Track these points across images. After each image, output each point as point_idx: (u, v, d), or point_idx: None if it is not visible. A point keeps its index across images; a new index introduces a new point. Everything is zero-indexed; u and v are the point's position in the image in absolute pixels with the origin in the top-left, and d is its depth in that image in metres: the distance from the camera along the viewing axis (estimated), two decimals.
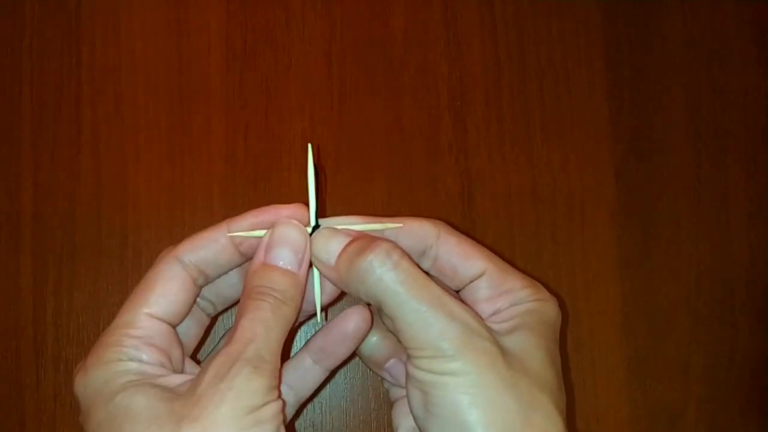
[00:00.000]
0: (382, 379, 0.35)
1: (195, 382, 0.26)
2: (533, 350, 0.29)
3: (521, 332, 0.29)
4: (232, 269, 0.32)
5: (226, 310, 0.35)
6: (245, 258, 0.32)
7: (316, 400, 0.47)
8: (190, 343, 0.33)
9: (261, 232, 0.31)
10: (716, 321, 0.49)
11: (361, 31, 0.50)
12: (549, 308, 0.31)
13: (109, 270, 0.47)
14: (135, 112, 0.48)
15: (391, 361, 0.34)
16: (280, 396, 0.27)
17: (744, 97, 0.51)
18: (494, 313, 0.30)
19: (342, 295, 0.34)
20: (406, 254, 0.29)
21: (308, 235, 0.31)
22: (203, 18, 0.49)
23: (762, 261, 0.50)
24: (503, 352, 0.28)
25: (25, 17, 0.49)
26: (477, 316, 0.29)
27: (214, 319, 0.35)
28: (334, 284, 0.31)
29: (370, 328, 0.33)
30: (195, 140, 0.48)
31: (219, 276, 0.32)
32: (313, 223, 0.32)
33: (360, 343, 0.34)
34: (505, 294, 0.31)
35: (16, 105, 0.48)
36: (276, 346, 0.28)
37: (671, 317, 0.49)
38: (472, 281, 0.31)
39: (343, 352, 0.34)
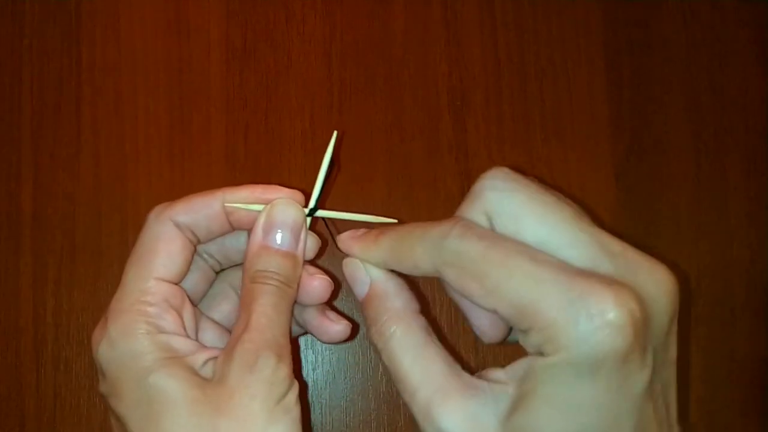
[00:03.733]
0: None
1: (222, 369, 0.27)
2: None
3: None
4: (221, 236, 0.32)
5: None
6: (234, 228, 0.32)
7: (316, 400, 0.47)
8: (198, 297, 0.34)
9: (258, 207, 0.31)
10: (716, 321, 0.49)
11: (361, 31, 0.50)
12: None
13: (109, 270, 0.47)
14: (135, 112, 0.48)
15: None
16: (295, 379, 0.28)
17: (744, 97, 0.51)
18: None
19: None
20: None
21: (305, 214, 0.31)
22: (203, 18, 0.49)
23: (762, 261, 0.50)
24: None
25: (25, 17, 0.49)
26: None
27: None
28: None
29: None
30: (195, 140, 0.48)
31: (209, 240, 0.32)
32: (312, 206, 0.32)
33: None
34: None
35: (16, 105, 0.48)
36: (288, 329, 0.29)
37: None
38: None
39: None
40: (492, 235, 0.24)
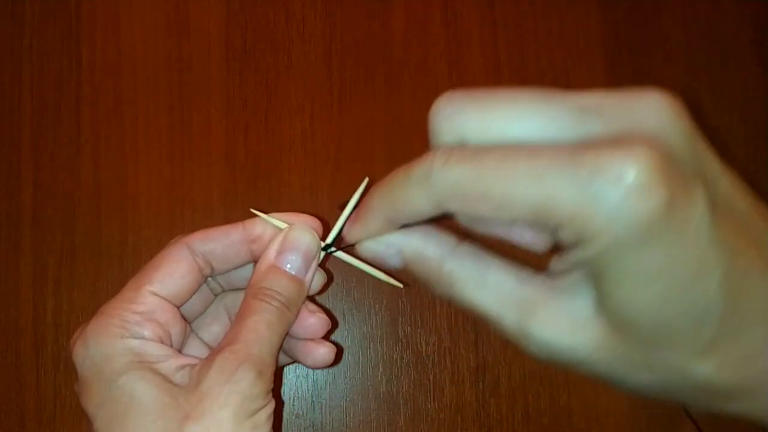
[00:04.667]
0: None
1: (198, 376, 0.27)
2: None
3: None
4: (238, 266, 0.33)
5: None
6: (254, 258, 0.32)
7: (316, 400, 0.47)
8: (193, 317, 0.34)
9: (283, 224, 0.31)
10: None
11: (361, 31, 0.50)
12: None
13: (109, 270, 0.47)
14: (135, 112, 0.48)
15: None
16: (272, 398, 0.28)
17: (744, 97, 0.51)
18: None
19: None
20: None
21: (320, 244, 0.31)
22: (203, 18, 0.49)
23: None
24: None
25: (25, 17, 0.49)
26: None
27: None
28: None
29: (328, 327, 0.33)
30: (195, 140, 0.48)
31: (225, 271, 0.33)
32: (328, 241, 0.32)
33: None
34: None
35: (16, 105, 0.48)
36: (277, 350, 0.29)
37: None
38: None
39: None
40: (475, 151, 0.22)
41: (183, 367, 0.28)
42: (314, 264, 0.31)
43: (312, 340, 0.32)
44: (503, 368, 0.48)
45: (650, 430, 0.48)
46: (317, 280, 0.32)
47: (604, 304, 0.22)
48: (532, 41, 0.50)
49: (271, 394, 0.28)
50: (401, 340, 0.47)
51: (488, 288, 0.25)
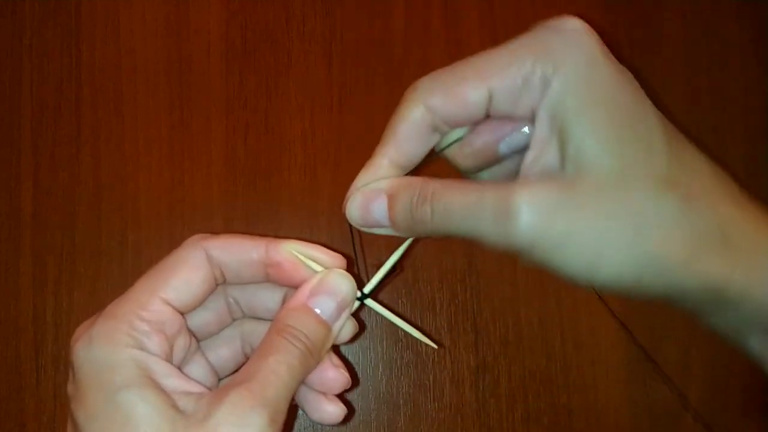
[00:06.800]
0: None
1: (208, 409, 0.25)
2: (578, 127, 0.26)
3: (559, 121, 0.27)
4: (249, 283, 0.31)
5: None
6: (270, 280, 0.31)
7: None
8: (204, 335, 0.32)
9: (318, 268, 0.30)
10: None
11: (361, 31, 0.50)
12: (573, 50, 0.29)
13: (109, 270, 0.47)
14: (135, 112, 0.48)
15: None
16: None
17: (744, 97, 0.51)
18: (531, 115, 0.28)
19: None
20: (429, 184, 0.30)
21: (356, 293, 0.30)
22: (203, 18, 0.49)
23: None
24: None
25: (25, 17, 0.49)
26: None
27: None
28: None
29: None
30: (195, 140, 0.48)
31: (236, 284, 0.31)
32: (365, 291, 0.31)
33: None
34: (525, 82, 0.28)
35: (16, 105, 0.48)
36: (291, 396, 0.27)
37: (671, 317, 0.49)
38: (487, 109, 0.29)
39: None
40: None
41: (189, 393, 0.26)
42: (346, 312, 0.30)
43: (324, 394, 0.30)
44: (503, 368, 0.48)
45: (650, 430, 0.48)
46: (347, 329, 0.30)
47: (569, 158, 0.26)
48: None
49: None
50: (401, 340, 0.47)
51: (471, 191, 0.28)
